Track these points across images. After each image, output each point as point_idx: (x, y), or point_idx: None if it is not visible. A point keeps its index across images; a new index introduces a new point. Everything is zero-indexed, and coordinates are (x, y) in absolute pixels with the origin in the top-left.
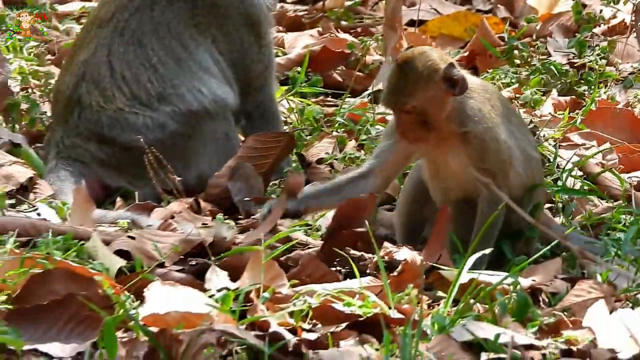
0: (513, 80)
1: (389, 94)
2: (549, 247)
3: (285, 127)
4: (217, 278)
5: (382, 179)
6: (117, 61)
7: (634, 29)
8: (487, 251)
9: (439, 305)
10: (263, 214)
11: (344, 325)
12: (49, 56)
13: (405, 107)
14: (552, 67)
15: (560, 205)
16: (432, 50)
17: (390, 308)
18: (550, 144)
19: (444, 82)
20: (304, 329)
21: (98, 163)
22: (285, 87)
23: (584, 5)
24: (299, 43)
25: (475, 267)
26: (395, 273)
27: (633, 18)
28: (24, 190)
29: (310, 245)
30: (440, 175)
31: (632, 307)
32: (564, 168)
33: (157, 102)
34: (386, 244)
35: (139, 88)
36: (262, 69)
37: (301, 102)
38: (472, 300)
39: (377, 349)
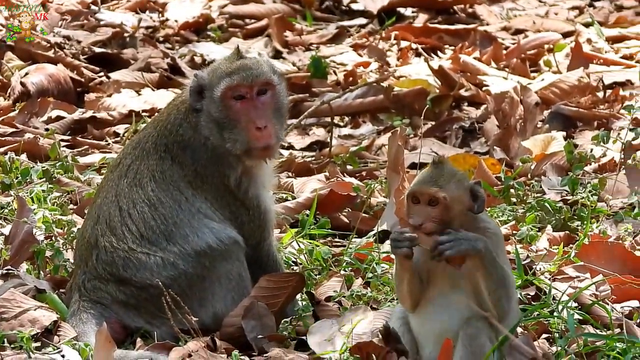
0: (510, 218)
1: (424, 182)
2: None
3: (295, 268)
4: None
5: None
6: (123, 200)
7: (623, 167)
8: None
9: None
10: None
11: None
12: (71, 206)
13: (438, 194)
14: (546, 204)
15: (556, 335)
16: None
17: None
18: (546, 277)
19: (470, 192)
20: None
21: (118, 304)
22: (295, 230)
23: (576, 145)
24: (308, 187)
25: None
26: None
27: (622, 156)
28: (49, 333)
29: None
30: (436, 299)
31: None
32: (559, 300)
33: (165, 241)
34: None
35: (145, 226)
36: (255, 228)
37: (310, 243)
38: None
39: None
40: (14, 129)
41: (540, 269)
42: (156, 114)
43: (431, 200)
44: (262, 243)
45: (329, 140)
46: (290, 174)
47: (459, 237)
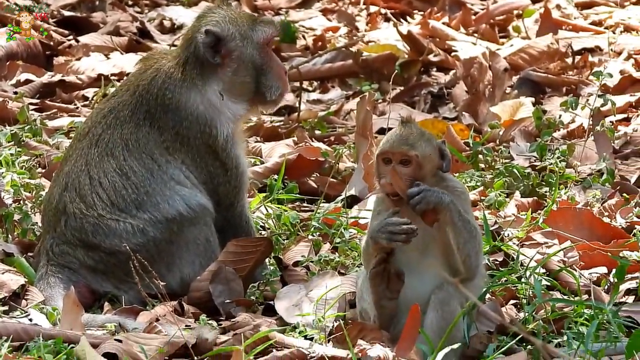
0: (478, 183)
1: (395, 141)
2: (515, 340)
3: (264, 232)
4: None
5: None
6: (93, 169)
7: (592, 133)
8: (455, 346)
9: None
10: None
11: None
12: (39, 169)
13: (410, 153)
14: (514, 170)
15: (524, 301)
16: None
17: None
18: (514, 243)
19: (438, 150)
20: None
21: (86, 269)
22: (263, 194)
23: (544, 111)
24: (276, 152)
25: None
26: None
27: (590, 122)
28: (17, 297)
29: (287, 346)
30: (406, 265)
31: None
32: (527, 266)
33: (135, 209)
34: (360, 341)
35: (116, 195)
36: (230, 189)
37: (278, 208)
38: None
39: None
40: None
41: (508, 234)
42: (126, 80)
43: (403, 159)
44: (236, 204)
45: (297, 105)
46: (258, 138)
47: (427, 188)
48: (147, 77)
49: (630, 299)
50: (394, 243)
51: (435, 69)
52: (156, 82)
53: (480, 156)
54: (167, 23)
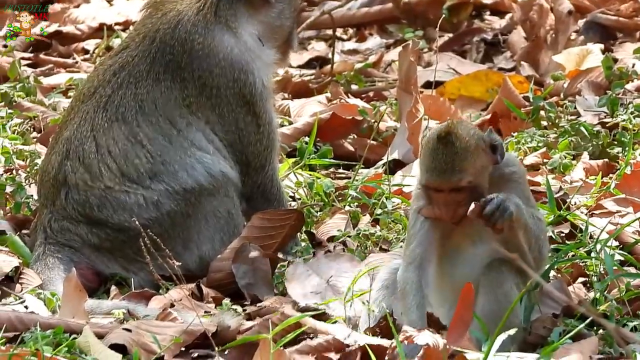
0: (540, 144)
1: (440, 171)
2: (584, 324)
3: (294, 203)
4: None
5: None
6: (101, 136)
7: None
8: (512, 332)
9: None
10: None
11: None
12: (34, 134)
13: (461, 184)
14: (582, 128)
15: (594, 279)
16: (462, 120)
17: None
18: (582, 212)
19: (489, 149)
20: None
21: (89, 248)
22: (293, 160)
23: (615, 60)
24: (306, 110)
25: (503, 348)
26: (416, 359)
27: None
28: (10, 280)
29: (320, 332)
30: (454, 254)
31: None
32: (597, 238)
33: (149, 179)
34: (405, 327)
35: (128, 164)
36: (262, 149)
37: (310, 175)
38: None
39: None
40: None
41: (575, 202)
42: (138, 29)
43: (455, 188)
44: (267, 167)
45: (330, 56)
46: (286, 95)
47: (504, 204)
48: (170, 20)
49: None
50: None
51: (488, 13)
52: (184, 26)
53: (542, 112)
54: None
